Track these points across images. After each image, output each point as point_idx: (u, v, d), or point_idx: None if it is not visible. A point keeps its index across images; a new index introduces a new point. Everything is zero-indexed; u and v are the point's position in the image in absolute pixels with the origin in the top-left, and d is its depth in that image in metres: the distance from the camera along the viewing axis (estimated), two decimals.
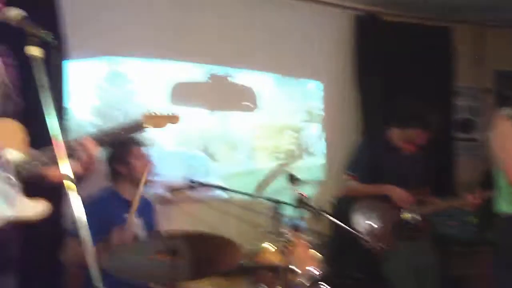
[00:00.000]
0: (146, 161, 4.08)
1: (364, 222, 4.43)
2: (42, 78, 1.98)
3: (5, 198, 2.13)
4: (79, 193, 1.90)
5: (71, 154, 2.36)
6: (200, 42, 5.11)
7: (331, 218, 4.05)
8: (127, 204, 3.98)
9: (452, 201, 4.64)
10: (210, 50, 5.16)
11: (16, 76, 2.43)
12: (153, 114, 2.89)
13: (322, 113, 5.88)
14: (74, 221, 1.86)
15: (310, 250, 4.02)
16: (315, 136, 5.88)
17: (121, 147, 4.02)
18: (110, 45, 4.75)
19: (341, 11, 5.89)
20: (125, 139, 3.86)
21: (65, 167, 1.91)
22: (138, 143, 4.09)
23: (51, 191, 2.38)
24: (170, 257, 3.02)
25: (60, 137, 1.94)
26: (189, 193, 4.71)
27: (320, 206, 4.05)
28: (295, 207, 3.80)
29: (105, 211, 3.84)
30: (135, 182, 4.02)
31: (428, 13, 6.07)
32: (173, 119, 3.00)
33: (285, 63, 5.61)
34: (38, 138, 2.35)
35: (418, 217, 4.44)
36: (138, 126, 2.81)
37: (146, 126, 2.84)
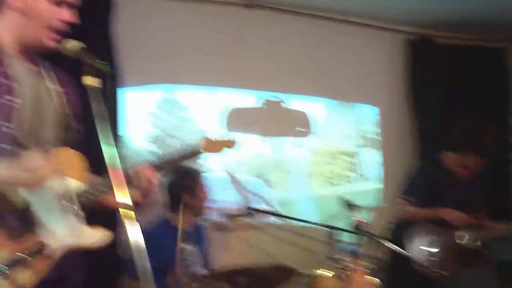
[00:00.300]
0: (205, 191, 4.11)
1: (422, 247, 4.34)
2: (98, 107, 2.01)
3: (68, 226, 2.16)
4: (138, 222, 1.90)
5: (130, 182, 2.38)
6: (254, 69, 5.13)
7: (388, 243, 4.00)
8: (183, 235, 4.01)
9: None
10: (264, 76, 5.18)
11: (76, 105, 2.47)
12: (210, 139, 2.89)
13: (378, 137, 5.81)
14: (130, 251, 1.85)
15: (367, 275, 3.96)
16: (370, 161, 5.81)
17: (184, 176, 4.04)
18: (164, 73, 4.82)
19: (394, 34, 5.83)
20: (188, 167, 3.92)
21: (123, 196, 1.92)
22: (201, 173, 4.13)
23: (109, 219, 2.41)
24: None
25: (117, 165, 1.95)
26: (245, 219, 4.72)
27: (377, 231, 4.01)
28: (352, 232, 3.75)
29: (160, 242, 3.85)
30: (195, 212, 4.07)
31: (481, 34, 5.95)
32: (229, 143, 3.00)
33: (339, 88, 5.57)
34: (97, 166, 2.39)
35: (478, 243, 4.33)
36: (195, 152, 2.81)
37: (203, 151, 2.84)
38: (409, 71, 5.84)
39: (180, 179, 4.05)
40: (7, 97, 2.14)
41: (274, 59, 5.24)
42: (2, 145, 2.11)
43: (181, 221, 4.03)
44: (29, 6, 2.21)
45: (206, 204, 4.10)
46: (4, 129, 2.12)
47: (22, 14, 2.22)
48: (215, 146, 2.90)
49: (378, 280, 3.95)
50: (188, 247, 3.98)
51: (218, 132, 3.01)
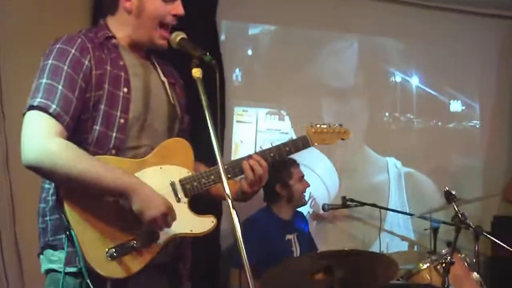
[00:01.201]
0: (303, 182, 4.15)
1: None
2: (204, 98, 2.05)
3: (176, 214, 2.24)
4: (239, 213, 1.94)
5: (240, 172, 2.41)
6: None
7: (490, 237, 3.91)
8: (285, 224, 4.10)
9: None
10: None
11: (182, 96, 2.55)
12: (321, 129, 2.70)
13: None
14: (235, 240, 1.90)
15: (468, 270, 3.89)
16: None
17: (281, 167, 4.06)
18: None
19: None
20: (286, 158, 3.94)
21: (229, 186, 1.97)
22: (297, 164, 4.15)
23: (213, 207, 2.47)
24: (326, 276, 2.97)
25: (219, 157, 2.00)
26: (344, 210, 4.74)
27: (479, 225, 3.92)
28: (453, 225, 3.67)
29: (264, 232, 3.93)
30: (293, 203, 4.12)
31: None
32: (344, 134, 2.77)
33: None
34: (202, 156, 2.46)
35: None
36: (304, 143, 2.62)
37: (314, 142, 2.65)
38: None
39: (274, 170, 4.10)
40: (125, 89, 2.24)
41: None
42: (119, 136, 2.21)
43: (278, 211, 4.12)
44: (143, 8, 2.29)
45: (302, 194, 4.12)
46: (122, 120, 2.21)
47: (136, 16, 2.30)
48: (327, 136, 2.70)
49: (479, 275, 3.87)
50: (290, 236, 4.06)
51: (329, 121, 2.77)
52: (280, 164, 3.93)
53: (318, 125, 2.69)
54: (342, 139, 2.76)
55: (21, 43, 3.87)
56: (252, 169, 2.41)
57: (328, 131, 2.71)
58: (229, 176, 2.37)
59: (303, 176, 4.17)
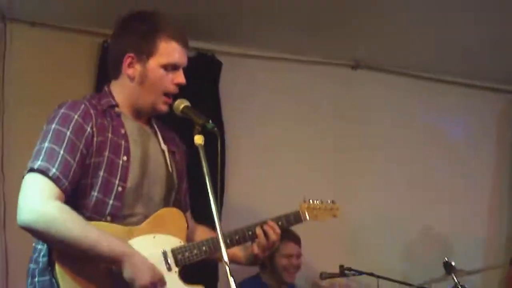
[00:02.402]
0: (292, 260, 4.09)
1: None
2: (205, 165, 2.06)
3: (167, 284, 2.23)
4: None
5: (237, 242, 2.47)
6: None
7: None
8: None
9: None
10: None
11: (182, 164, 2.58)
12: (314, 205, 2.80)
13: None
14: None
15: None
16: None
17: None
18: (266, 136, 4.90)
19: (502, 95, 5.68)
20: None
21: (225, 257, 1.97)
22: (293, 240, 4.11)
23: (210, 275, 2.46)
24: None
25: (218, 224, 2.00)
26: (341, 279, 4.68)
27: None
28: None
29: None
30: (277, 277, 4.07)
31: None
32: (336, 211, 2.88)
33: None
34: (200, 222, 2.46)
35: None
36: (297, 218, 2.72)
37: (306, 218, 2.75)
38: None
39: None
40: (124, 157, 2.26)
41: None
42: (116, 203, 2.22)
43: (268, 281, 4.07)
44: (145, 76, 2.33)
45: (285, 272, 4.07)
46: (120, 188, 2.23)
47: (139, 83, 2.34)
48: (319, 213, 2.79)
49: None
50: None
51: (321, 198, 2.86)
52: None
53: (311, 201, 2.79)
54: (334, 216, 2.87)
55: (26, 105, 3.93)
56: (266, 234, 2.49)
57: (321, 208, 2.82)
58: (228, 243, 2.43)
59: (295, 256, 4.12)
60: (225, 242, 2.01)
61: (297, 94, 5.01)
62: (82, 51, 4.25)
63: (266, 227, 2.49)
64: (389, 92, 5.23)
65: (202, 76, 4.46)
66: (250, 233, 2.49)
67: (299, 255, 4.14)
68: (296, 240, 4.13)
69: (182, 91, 2.41)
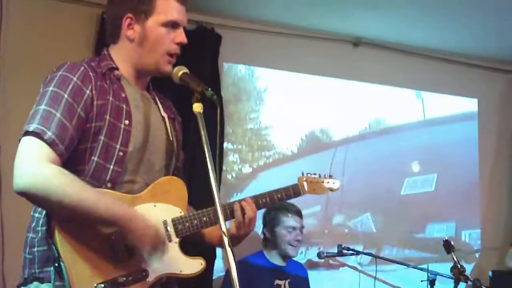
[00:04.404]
0: (293, 233, 4.08)
1: None
2: (203, 133, 2.00)
3: (165, 254, 2.20)
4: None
5: (231, 214, 2.40)
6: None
7: None
8: (275, 269, 4.05)
9: None
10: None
11: (180, 132, 2.52)
12: (312, 178, 2.77)
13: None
14: (230, 281, 1.85)
15: None
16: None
17: (271, 212, 4.08)
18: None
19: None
20: (277, 205, 3.91)
21: (223, 227, 1.92)
22: (294, 213, 4.11)
23: (205, 249, 2.43)
24: None
25: (216, 194, 1.96)
26: (340, 259, 4.67)
27: (478, 278, 3.84)
28: (450, 277, 3.60)
29: (250, 274, 3.88)
30: (279, 251, 4.06)
31: None
32: (333, 185, 2.84)
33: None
34: (198, 195, 2.42)
35: None
36: (296, 191, 2.66)
37: (305, 191, 2.71)
38: None
39: (265, 213, 4.12)
40: (126, 121, 2.20)
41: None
42: (117, 169, 2.17)
43: (271, 256, 4.07)
44: (145, 36, 2.27)
45: (287, 244, 4.06)
46: (121, 153, 2.17)
47: (138, 44, 2.28)
48: (317, 186, 2.77)
49: None
50: (281, 282, 3.99)
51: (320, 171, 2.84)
52: (272, 208, 3.99)
53: (309, 175, 2.77)
54: (331, 189, 2.84)
55: (23, 75, 3.89)
56: (243, 211, 2.40)
57: (319, 181, 2.79)
58: (228, 214, 2.39)
59: (297, 228, 4.10)
60: (224, 213, 1.97)
61: (297, 69, 4.99)
62: (81, 22, 4.22)
63: (243, 203, 2.42)
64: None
65: (202, 50, 4.44)
66: (228, 212, 2.40)
67: (301, 228, 4.13)
68: (298, 213, 4.12)
69: (181, 63, 2.33)
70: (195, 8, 4.40)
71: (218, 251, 4.38)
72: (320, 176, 2.81)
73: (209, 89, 2.14)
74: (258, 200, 2.50)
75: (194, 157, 3.82)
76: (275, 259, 4.08)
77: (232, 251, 1.87)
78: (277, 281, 4.01)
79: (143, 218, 2.11)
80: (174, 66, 2.30)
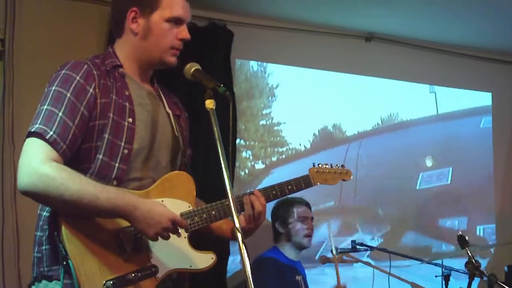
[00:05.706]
0: (306, 222, 4.07)
1: None
2: (216, 130, 1.99)
3: (175, 249, 2.19)
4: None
5: (240, 207, 2.38)
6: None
7: (506, 287, 3.80)
8: (293, 264, 4.03)
9: None
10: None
11: (187, 129, 2.52)
12: (323, 169, 2.73)
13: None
14: (244, 276, 1.84)
15: None
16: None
17: (282, 205, 4.06)
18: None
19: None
20: (286, 199, 3.90)
21: (235, 221, 1.91)
22: (303, 204, 4.10)
23: (216, 243, 2.42)
24: None
25: (230, 190, 1.95)
26: (353, 254, 4.65)
27: (493, 273, 3.82)
28: (465, 273, 3.57)
29: (280, 269, 3.87)
30: (293, 243, 4.05)
31: None
32: (345, 175, 2.81)
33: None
34: (208, 189, 2.41)
35: None
36: (307, 182, 2.63)
37: (316, 182, 2.67)
38: None
39: (276, 209, 4.10)
40: (130, 119, 2.21)
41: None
42: (122, 166, 2.17)
43: (285, 251, 4.06)
44: (149, 30, 2.27)
45: (302, 235, 4.05)
46: (125, 151, 2.17)
47: (142, 38, 2.28)
48: (329, 177, 2.73)
49: None
50: (299, 278, 3.99)
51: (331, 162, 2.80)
52: (281, 202, 3.99)
53: (320, 165, 2.73)
54: (344, 179, 2.80)
55: (35, 77, 3.87)
56: (252, 205, 2.39)
57: (330, 172, 2.75)
58: (239, 208, 2.37)
59: (309, 218, 4.10)
60: (236, 207, 1.95)
61: (309, 65, 4.99)
62: (92, 21, 4.23)
63: (252, 197, 2.40)
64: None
65: (214, 46, 4.44)
66: (238, 205, 2.37)
67: (312, 219, 4.13)
68: (308, 205, 4.13)
69: (193, 60, 2.33)
70: (207, 5, 4.40)
71: (232, 248, 4.36)
72: (332, 166, 2.77)
73: (222, 85, 2.14)
74: (268, 193, 2.49)
75: (207, 154, 3.85)
76: (290, 253, 4.05)
77: (246, 248, 1.86)
78: (297, 277, 4.00)
79: (149, 203, 2.10)
80: (186, 63, 2.30)
